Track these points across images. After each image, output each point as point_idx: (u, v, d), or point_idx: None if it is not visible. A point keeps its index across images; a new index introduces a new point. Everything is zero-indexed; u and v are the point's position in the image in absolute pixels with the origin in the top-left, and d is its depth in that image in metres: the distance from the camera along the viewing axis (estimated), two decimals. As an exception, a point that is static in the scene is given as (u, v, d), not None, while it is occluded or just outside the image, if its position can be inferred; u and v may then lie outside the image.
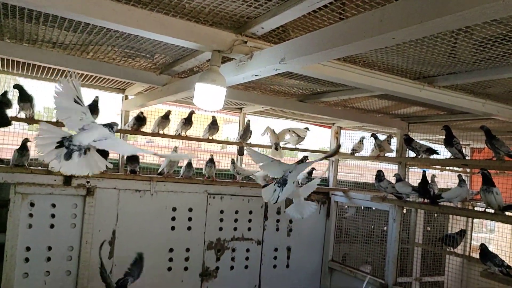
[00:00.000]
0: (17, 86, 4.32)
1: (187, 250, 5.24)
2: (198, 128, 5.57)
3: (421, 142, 5.15)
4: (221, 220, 5.44)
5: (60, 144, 2.36)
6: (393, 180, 5.04)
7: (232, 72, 2.79)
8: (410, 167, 5.70)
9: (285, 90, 4.55)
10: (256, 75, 2.68)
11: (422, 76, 3.43)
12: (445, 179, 6.88)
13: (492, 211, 4.05)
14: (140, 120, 4.85)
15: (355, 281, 5.58)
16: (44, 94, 4.75)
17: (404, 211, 5.67)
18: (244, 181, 5.55)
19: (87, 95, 4.79)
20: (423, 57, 2.97)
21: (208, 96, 2.61)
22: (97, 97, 4.62)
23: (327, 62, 2.93)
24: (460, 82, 3.37)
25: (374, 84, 3.20)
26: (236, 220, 5.53)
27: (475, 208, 6.15)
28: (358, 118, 5.26)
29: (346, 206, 6.35)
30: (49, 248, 4.52)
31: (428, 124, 5.26)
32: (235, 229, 5.53)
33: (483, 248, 4.21)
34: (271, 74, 2.72)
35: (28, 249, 4.43)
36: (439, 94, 3.47)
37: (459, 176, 4.53)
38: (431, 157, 4.84)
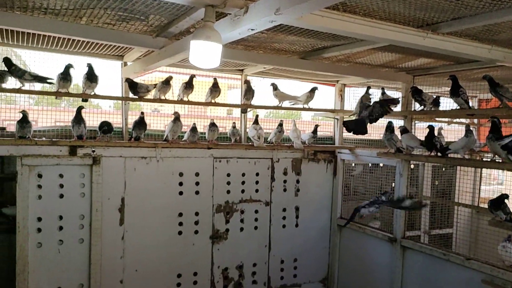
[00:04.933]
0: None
1: (196, 214, 5.30)
2: (200, 95, 5.51)
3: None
4: (228, 183, 5.47)
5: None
6: (398, 135, 5.00)
7: (227, 28, 2.71)
8: (416, 122, 5.61)
9: (286, 48, 4.44)
10: (252, 29, 2.59)
11: (426, 24, 3.31)
12: (453, 135, 6.82)
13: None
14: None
15: (365, 237, 5.64)
16: (42, 64, 4.70)
17: (412, 166, 5.65)
18: (250, 143, 5.53)
19: (85, 63, 4.75)
20: (426, 2, 2.85)
21: (204, 54, 2.55)
22: (89, 64, 4.55)
23: (325, 13, 2.82)
24: (465, 28, 3.25)
25: (376, 34, 3.10)
26: (243, 183, 5.56)
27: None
28: (362, 74, 5.14)
29: (353, 164, 6.34)
30: (60, 218, 4.61)
31: (434, 76, 5.14)
32: (242, 191, 5.57)
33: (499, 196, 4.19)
34: (267, 27, 2.64)
35: (39, 219, 4.51)
36: (443, 42, 3.36)
37: (466, 126, 4.46)
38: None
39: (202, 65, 2.72)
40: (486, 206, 6.27)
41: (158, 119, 5.56)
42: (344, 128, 5.23)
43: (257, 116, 5.51)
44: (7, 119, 4.94)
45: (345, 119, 5.88)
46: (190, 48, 2.63)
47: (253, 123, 5.42)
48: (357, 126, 4.54)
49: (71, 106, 5.35)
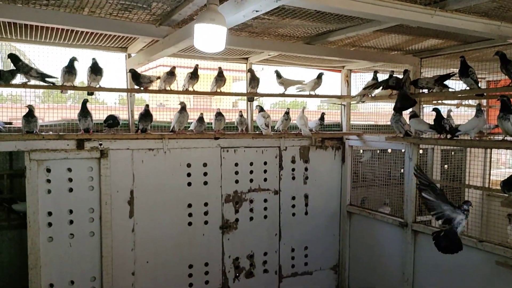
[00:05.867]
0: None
1: (206, 204, 5.29)
2: (205, 87, 5.48)
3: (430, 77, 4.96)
4: (236, 172, 5.45)
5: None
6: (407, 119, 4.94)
7: (231, 10, 2.66)
8: (424, 106, 5.54)
9: (291, 33, 4.38)
10: (256, 11, 2.55)
11: (433, 1, 3.25)
12: (462, 119, 6.73)
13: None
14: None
15: (375, 222, 5.61)
16: (46, 59, 4.68)
17: (421, 151, 5.59)
18: (257, 132, 5.50)
19: (89, 56, 4.73)
20: (433, -23, 2.79)
21: (209, 37, 2.51)
22: (94, 58, 4.55)
23: (330, -8, 2.77)
24: (474, 4, 3.18)
25: (382, 13, 3.03)
26: (251, 172, 5.54)
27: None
28: (369, 57, 5.07)
29: (361, 151, 6.29)
30: (70, 212, 4.61)
31: (441, 58, 5.06)
32: (251, 180, 5.55)
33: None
34: (272, 8, 2.59)
35: (49, 214, 4.52)
36: (452, 19, 3.29)
37: (477, 105, 4.39)
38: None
39: (207, 49, 2.68)
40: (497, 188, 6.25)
41: (164, 114, 5.54)
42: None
43: (261, 106, 5.46)
44: (14, 118, 4.93)
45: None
46: (194, 32, 2.58)
47: (260, 111, 5.37)
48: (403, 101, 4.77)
49: (77, 103, 5.33)
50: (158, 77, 4.92)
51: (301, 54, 4.68)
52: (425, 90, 4.88)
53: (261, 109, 5.39)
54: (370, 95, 5.61)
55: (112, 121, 4.71)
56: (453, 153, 6.68)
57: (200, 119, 5.11)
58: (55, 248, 4.55)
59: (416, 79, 4.90)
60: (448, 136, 4.48)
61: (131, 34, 3.93)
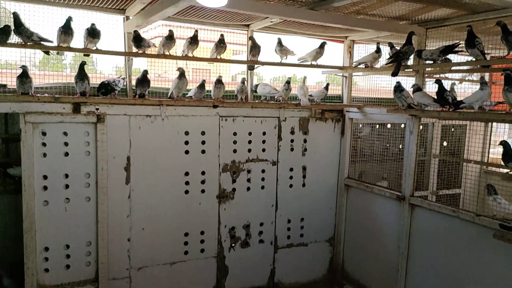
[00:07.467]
0: None
1: (203, 173, 5.25)
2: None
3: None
4: (235, 142, 5.39)
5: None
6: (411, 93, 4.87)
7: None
8: (427, 81, 5.45)
9: (295, -4, 4.26)
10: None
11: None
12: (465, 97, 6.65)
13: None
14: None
15: (372, 196, 5.60)
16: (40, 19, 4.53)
17: (421, 127, 5.54)
18: (256, 101, 5.41)
19: (87, 17, 4.60)
20: None
21: (211, -10, 2.40)
22: (93, 24, 4.43)
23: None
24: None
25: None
26: (249, 142, 5.48)
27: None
28: (374, 26, 4.93)
29: (360, 126, 6.24)
30: (66, 176, 4.56)
31: (448, 28, 4.95)
32: (249, 150, 5.49)
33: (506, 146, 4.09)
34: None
35: (45, 177, 4.47)
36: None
37: (481, 78, 4.31)
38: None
39: (209, 3, 2.57)
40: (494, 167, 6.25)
41: (162, 85, 5.42)
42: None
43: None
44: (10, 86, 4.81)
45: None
46: (196, -14, 2.48)
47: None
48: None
49: (75, 72, 5.23)
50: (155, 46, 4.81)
51: (305, 20, 4.53)
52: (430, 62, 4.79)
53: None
54: (373, 66, 5.50)
55: (104, 90, 4.59)
56: (452, 129, 6.64)
57: (201, 86, 5.01)
58: (50, 212, 4.51)
59: (421, 50, 4.78)
60: (451, 109, 4.41)
61: (131, -8, 3.79)
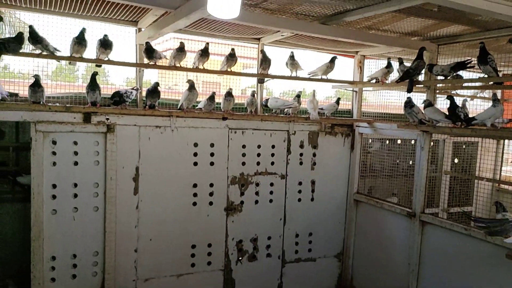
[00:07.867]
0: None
1: (211, 185, 5.22)
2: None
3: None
4: (244, 155, 5.37)
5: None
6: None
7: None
8: (438, 97, 5.41)
9: (306, 11, 4.26)
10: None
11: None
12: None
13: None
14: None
15: (382, 212, 5.52)
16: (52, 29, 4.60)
17: (432, 144, 5.48)
18: (266, 114, 5.40)
19: (99, 29, 4.65)
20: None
21: (223, 2, 2.41)
22: (106, 35, 4.49)
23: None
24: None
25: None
26: (258, 155, 5.46)
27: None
28: (386, 41, 4.92)
29: (370, 141, 6.19)
30: (75, 185, 4.57)
31: (460, 45, 4.92)
32: (258, 163, 5.46)
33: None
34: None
35: (54, 186, 4.48)
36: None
37: (493, 95, 4.27)
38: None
39: (221, 15, 2.59)
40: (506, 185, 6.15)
41: (172, 96, 5.45)
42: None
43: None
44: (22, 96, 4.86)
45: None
46: (208, -1, 2.49)
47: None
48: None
49: (87, 82, 5.30)
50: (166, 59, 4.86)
51: (316, 35, 4.54)
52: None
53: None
54: (384, 81, 5.49)
55: (118, 99, 4.63)
56: (464, 146, 6.56)
57: (211, 98, 5.03)
58: (58, 221, 4.51)
59: (432, 64, 4.75)
60: (463, 125, 4.36)
61: (142, 4, 3.82)
